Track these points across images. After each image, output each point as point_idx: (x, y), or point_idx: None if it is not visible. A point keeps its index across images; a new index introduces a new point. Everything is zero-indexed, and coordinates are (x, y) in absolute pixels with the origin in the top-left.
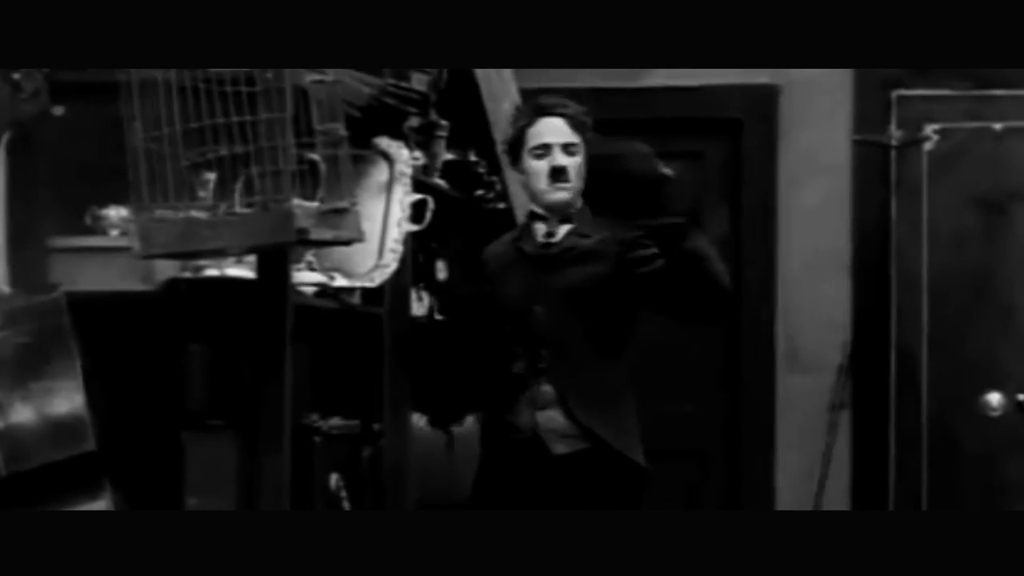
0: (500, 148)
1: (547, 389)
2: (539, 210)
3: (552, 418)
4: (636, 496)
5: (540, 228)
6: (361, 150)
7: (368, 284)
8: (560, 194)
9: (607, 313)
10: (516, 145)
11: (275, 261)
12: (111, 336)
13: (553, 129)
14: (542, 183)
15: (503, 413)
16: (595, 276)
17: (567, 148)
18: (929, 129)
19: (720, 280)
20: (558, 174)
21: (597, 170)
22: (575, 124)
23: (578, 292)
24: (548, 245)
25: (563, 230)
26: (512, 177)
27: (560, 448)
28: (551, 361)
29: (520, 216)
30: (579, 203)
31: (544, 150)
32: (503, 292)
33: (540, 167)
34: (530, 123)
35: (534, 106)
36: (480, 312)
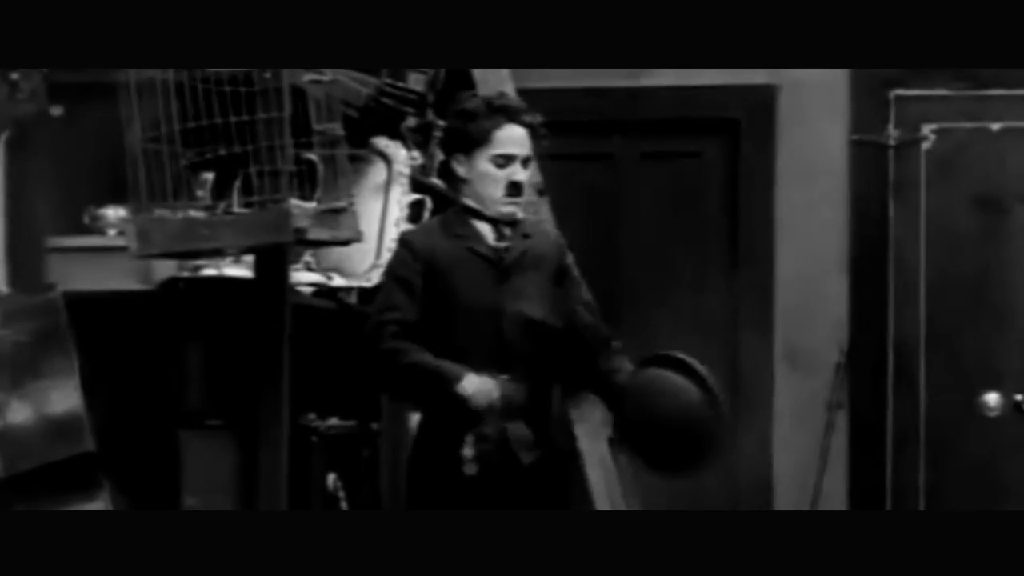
0: (445, 133)
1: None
2: (479, 209)
3: (519, 427)
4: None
5: (485, 228)
6: (359, 150)
7: (366, 284)
8: (513, 208)
9: (554, 319)
10: (476, 142)
11: (273, 261)
12: (109, 336)
13: (517, 139)
14: (497, 193)
15: (465, 421)
16: (545, 282)
17: (525, 161)
18: (927, 129)
19: None
20: (515, 189)
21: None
22: (535, 134)
23: (536, 299)
24: (504, 249)
25: (508, 231)
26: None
27: (527, 457)
28: (518, 372)
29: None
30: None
31: (506, 160)
32: (463, 296)
33: (498, 176)
34: (496, 125)
35: (502, 108)
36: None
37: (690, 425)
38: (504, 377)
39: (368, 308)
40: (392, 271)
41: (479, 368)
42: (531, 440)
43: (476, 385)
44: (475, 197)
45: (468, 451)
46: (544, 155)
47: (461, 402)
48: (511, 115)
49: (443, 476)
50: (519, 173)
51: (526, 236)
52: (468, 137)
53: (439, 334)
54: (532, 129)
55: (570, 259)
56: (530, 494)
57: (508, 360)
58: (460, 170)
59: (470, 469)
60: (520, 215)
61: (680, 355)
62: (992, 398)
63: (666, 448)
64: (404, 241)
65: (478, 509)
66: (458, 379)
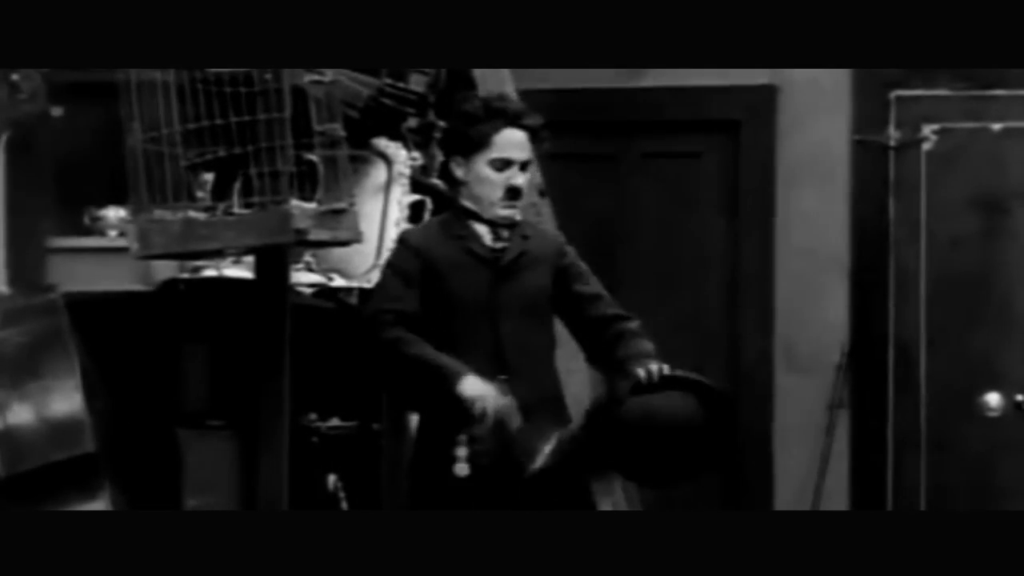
0: (444, 135)
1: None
2: (476, 211)
3: (526, 432)
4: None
5: (483, 230)
6: (359, 151)
7: (366, 284)
8: (511, 211)
9: (550, 321)
10: (476, 145)
11: (273, 261)
12: (109, 336)
13: (517, 144)
14: (495, 196)
15: (460, 424)
16: (543, 283)
17: (524, 165)
18: (928, 129)
19: None
20: (514, 194)
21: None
22: (535, 138)
23: (533, 301)
24: (500, 250)
25: (506, 232)
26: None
27: (532, 466)
28: (516, 373)
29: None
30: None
31: (505, 164)
32: (459, 297)
33: (496, 180)
34: (496, 130)
35: (501, 112)
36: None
37: (692, 446)
38: (502, 377)
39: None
40: (390, 265)
41: (477, 370)
42: (536, 445)
43: (477, 388)
44: (473, 199)
45: (460, 451)
46: (544, 155)
47: (459, 402)
48: (511, 119)
49: (439, 476)
50: (518, 177)
51: (525, 237)
52: (467, 140)
53: (437, 334)
54: (532, 132)
55: (572, 257)
56: (532, 499)
57: (506, 362)
58: (458, 172)
59: (461, 470)
60: (518, 218)
61: (674, 374)
62: (993, 398)
63: (667, 465)
64: (403, 239)
65: (472, 510)
66: (459, 378)
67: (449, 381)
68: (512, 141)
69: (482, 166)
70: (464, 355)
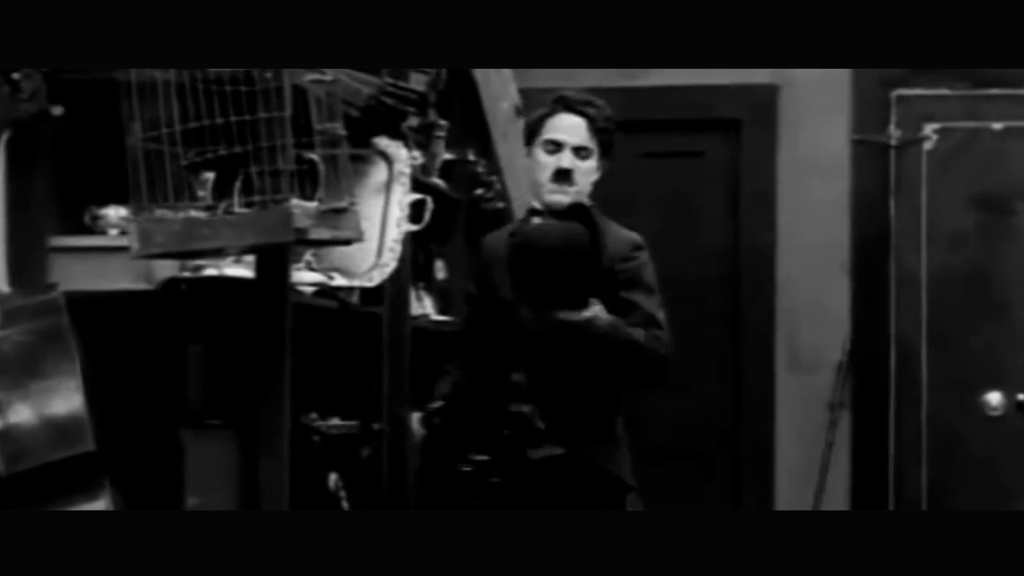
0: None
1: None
2: (538, 206)
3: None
4: (611, 506)
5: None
6: (360, 150)
7: (367, 284)
8: (559, 196)
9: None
10: (532, 131)
11: (274, 261)
12: (110, 336)
13: (570, 127)
14: (544, 179)
15: (481, 412)
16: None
17: (579, 151)
18: (928, 128)
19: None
20: (562, 176)
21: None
22: (594, 128)
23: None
24: None
25: None
26: (510, 171)
27: (535, 453)
28: (530, 363)
29: (519, 214)
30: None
31: (555, 147)
32: (491, 288)
33: (547, 163)
34: (550, 113)
35: (558, 97)
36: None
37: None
38: (524, 408)
39: (370, 308)
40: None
41: (502, 360)
42: (543, 435)
43: None
44: (533, 188)
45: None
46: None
47: None
48: (567, 104)
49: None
50: (567, 160)
51: None
52: (528, 129)
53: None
54: (591, 121)
55: (633, 264)
56: (536, 491)
57: (528, 355)
58: (527, 165)
59: (535, 455)
60: (565, 201)
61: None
62: (994, 397)
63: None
64: (479, 240)
65: (478, 500)
66: None
67: None
68: (563, 125)
69: (538, 151)
70: (496, 362)
